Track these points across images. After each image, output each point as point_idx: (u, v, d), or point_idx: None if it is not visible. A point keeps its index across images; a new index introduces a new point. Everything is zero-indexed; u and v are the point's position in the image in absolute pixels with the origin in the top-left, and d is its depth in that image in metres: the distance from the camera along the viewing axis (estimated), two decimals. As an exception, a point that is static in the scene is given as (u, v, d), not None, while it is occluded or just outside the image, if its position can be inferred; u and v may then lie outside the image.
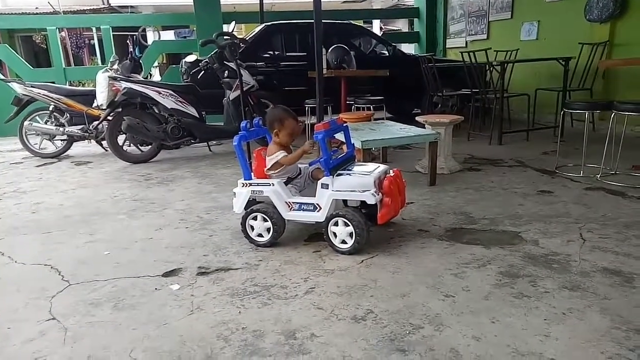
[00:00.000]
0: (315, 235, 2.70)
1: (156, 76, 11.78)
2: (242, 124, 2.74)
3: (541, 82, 6.13)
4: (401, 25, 15.35)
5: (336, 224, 2.47)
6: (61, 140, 5.64)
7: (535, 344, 1.61)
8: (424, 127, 4.09)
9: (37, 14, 11.47)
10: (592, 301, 1.87)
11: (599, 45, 5.51)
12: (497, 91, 5.32)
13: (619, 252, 2.32)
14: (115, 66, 5.49)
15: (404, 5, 13.91)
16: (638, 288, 1.96)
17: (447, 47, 9.12)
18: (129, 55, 5.89)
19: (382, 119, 5.38)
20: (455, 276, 2.15)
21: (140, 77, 5.59)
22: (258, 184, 2.67)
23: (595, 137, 4.73)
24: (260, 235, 2.63)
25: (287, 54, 6.76)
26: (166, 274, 2.32)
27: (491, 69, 5.38)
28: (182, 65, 6.48)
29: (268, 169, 2.69)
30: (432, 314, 1.84)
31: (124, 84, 4.94)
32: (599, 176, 3.66)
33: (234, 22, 5.26)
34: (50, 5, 12.07)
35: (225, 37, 4.72)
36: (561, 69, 5.38)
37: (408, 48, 10.36)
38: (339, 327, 1.78)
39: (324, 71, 4.87)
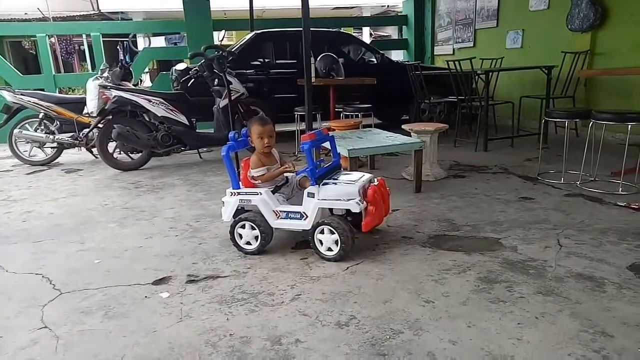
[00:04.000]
0: (303, 242, 2.77)
1: (147, 82, 11.82)
2: (230, 134, 2.81)
3: (526, 89, 6.27)
4: (391, 31, 15.49)
5: (322, 231, 2.54)
6: (51, 147, 5.67)
7: (508, 347, 1.69)
8: (410, 135, 4.19)
9: (26, 20, 11.44)
10: (564, 306, 1.96)
11: (580, 54, 5.65)
12: (483, 99, 5.44)
13: (592, 258, 2.42)
14: (106, 74, 5.54)
15: (393, 12, 14.06)
16: (608, 293, 2.06)
17: (435, 54, 9.27)
18: (119, 62, 5.93)
19: (371, 125, 5.48)
20: (436, 282, 2.23)
21: (130, 85, 5.63)
22: (246, 193, 2.73)
23: (579, 142, 4.85)
24: (248, 243, 2.70)
25: (277, 61, 6.84)
26: (156, 282, 2.38)
27: (477, 78, 5.50)
28: (172, 73, 6.53)
29: (251, 178, 2.77)
30: (412, 319, 1.92)
31: (114, 92, 4.98)
32: (578, 183, 3.78)
33: (223, 31, 5.33)
34: (40, 11, 12.04)
35: (214, 50, 4.78)
36: (545, 77, 5.52)
37: (397, 55, 10.50)
38: (322, 332, 1.85)
39: (313, 79, 4.97)
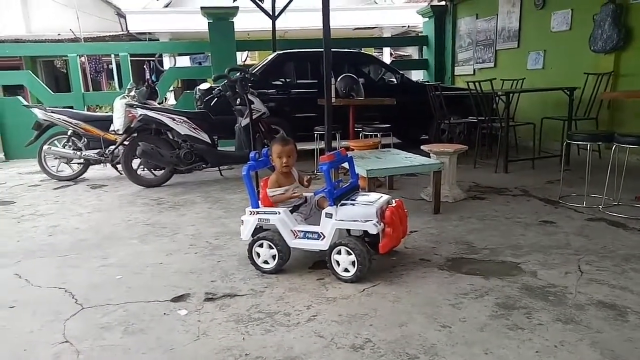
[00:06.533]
0: (320, 262, 2.78)
1: (171, 100, 12.10)
2: (251, 154, 2.87)
3: (547, 110, 6.21)
4: (411, 51, 15.58)
5: (339, 252, 2.55)
6: (78, 163, 5.84)
7: (526, 376, 1.66)
8: (429, 156, 4.19)
9: (59, 40, 11.92)
10: (585, 335, 1.92)
11: (603, 75, 5.59)
12: (503, 120, 5.41)
13: (615, 285, 2.36)
14: (132, 93, 5.72)
15: (413, 32, 14.17)
16: (630, 322, 2.00)
17: (455, 74, 9.28)
18: (146, 81, 6.12)
19: (390, 145, 5.49)
20: (453, 306, 2.21)
21: (155, 104, 5.80)
22: (265, 212, 2.77)
23: (602, 165, 4.76)
24: (266, 262, 2.73)
25: (298, 81, 6.95)
26: (175, 299, 2.42)
27: (497, 99, 5.48)
28: (196, 92, 6.70)
29: (271, 197, 2.83)
30: (428, 344, 1.90)
31: (140, 111, 5.14)
32: (601, 207, 3.71)
33: (247, 53, 5.47)
34: (72, 32, 12.54)
35: (236, 72, 4.91)
36: (567, 99, 5.46)
37: (418, 75, 10.55)
38: (338, 355, 1.85)
39: (333, 100, 5.03)
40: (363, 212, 2.58)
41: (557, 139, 5.76)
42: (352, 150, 4.73)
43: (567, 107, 5.50)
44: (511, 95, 5.40)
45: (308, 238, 2.68)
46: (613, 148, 3.71)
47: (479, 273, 2.59)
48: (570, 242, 3.01)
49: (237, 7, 8.09)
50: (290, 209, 2.80)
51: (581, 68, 5.87)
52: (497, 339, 1.92)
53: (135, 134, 5.31)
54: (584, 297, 2.25)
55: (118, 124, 5.54)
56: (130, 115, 5.37)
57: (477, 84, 5.46)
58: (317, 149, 5.81)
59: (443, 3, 9.36)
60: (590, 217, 3.55)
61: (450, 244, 3.08)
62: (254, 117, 4.96)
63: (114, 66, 14.26)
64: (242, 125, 5.33)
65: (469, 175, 5.17)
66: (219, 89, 5.36)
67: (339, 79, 5.81)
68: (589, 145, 3.94)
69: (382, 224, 2.57)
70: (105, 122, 5.80)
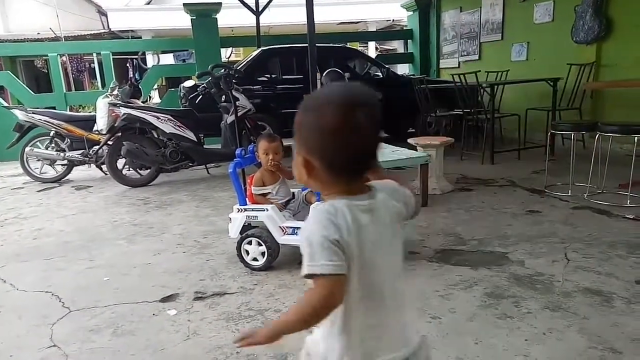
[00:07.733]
0: (309, 258, 2.77)
1: (156, 98, 11.96)
2: (237, 151, 2.85)
3: (532, 101, 6.26)
4: (397, 44, 15.60)
5: (328, 247, 2.55)
6: (61, 165, 5.74)
7: (516, 364, 1.68)
8: (416, 149, 4.20)
9: (38, 40, 11.70)
10: (572, 321, 1.95)
11: (586, 66, 5.66)
12: (488, 112, 5.45)
13: (601, 272, 2.40)
14: (115, 92, 5.63)
15: (398, 25, 14.18)
16: (616, 307, 2.04)
17: (440, 67, 9.31)
18: (129, 80, 6.04)
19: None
20: (443, 298, 2.23)
21: (139, 102, 5.72)
22: (253, 210, 2.76)
23: (586, 154, 4.82)
24: (255, 259, 2.71)
25: (284, 77, 6.92)
26: (164, 300, 2.39)
27: (482, 91, 5.52)
28: (180, 90, 6.63)
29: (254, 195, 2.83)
30: (419, 335, 1.91)
31: (124, 110, 5.07)
32: (586, 195, 3.76)
33: (231, 49, 5.42)
34: (52, 30, 12.31)
35: (221, 68, 4.87)
36: (550, 89, 5.52)
37: (403, 68, 10.57)
38: (329, 350, 1.85)
39: (319, 95, 5.01)
40: (351, 206, 2.58)
41: (542, 129, 5.81)
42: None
43: (551, 97, 5.55)
44: (496, 87, 5.44)
45: (297, 234, 2.66)
46: (596, 137, 3.76)
47: (467, 264, 2.61)
48: (556, 231, 3.05)
49: (220, 3, 8.01)
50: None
51: (564, 59, 5.92)
52: (486, 328, 1.93)
53: (119, 134, 5.24)
54: (571, 284, 2.28)
55: (101, 123, 5.45)
56: (114, 114, 5.29)
57: (462, 76, 5.48)
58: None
59: (427, -4, 9.36)
60: (576, 205, 3.59)
61: (438, 235, 3.10)
62: (239, 113, 4.93)
63: (96, 65, 14.02)
64: (228, 122, 5.29)
65: (456, 167, 5.19)
66: (204, 86, 5.30)
67: (324, 74, 5.78)
68: (573, 135, 3.99)
69: (370, 217, 2.56)
70: (88, 122, 5.71)
